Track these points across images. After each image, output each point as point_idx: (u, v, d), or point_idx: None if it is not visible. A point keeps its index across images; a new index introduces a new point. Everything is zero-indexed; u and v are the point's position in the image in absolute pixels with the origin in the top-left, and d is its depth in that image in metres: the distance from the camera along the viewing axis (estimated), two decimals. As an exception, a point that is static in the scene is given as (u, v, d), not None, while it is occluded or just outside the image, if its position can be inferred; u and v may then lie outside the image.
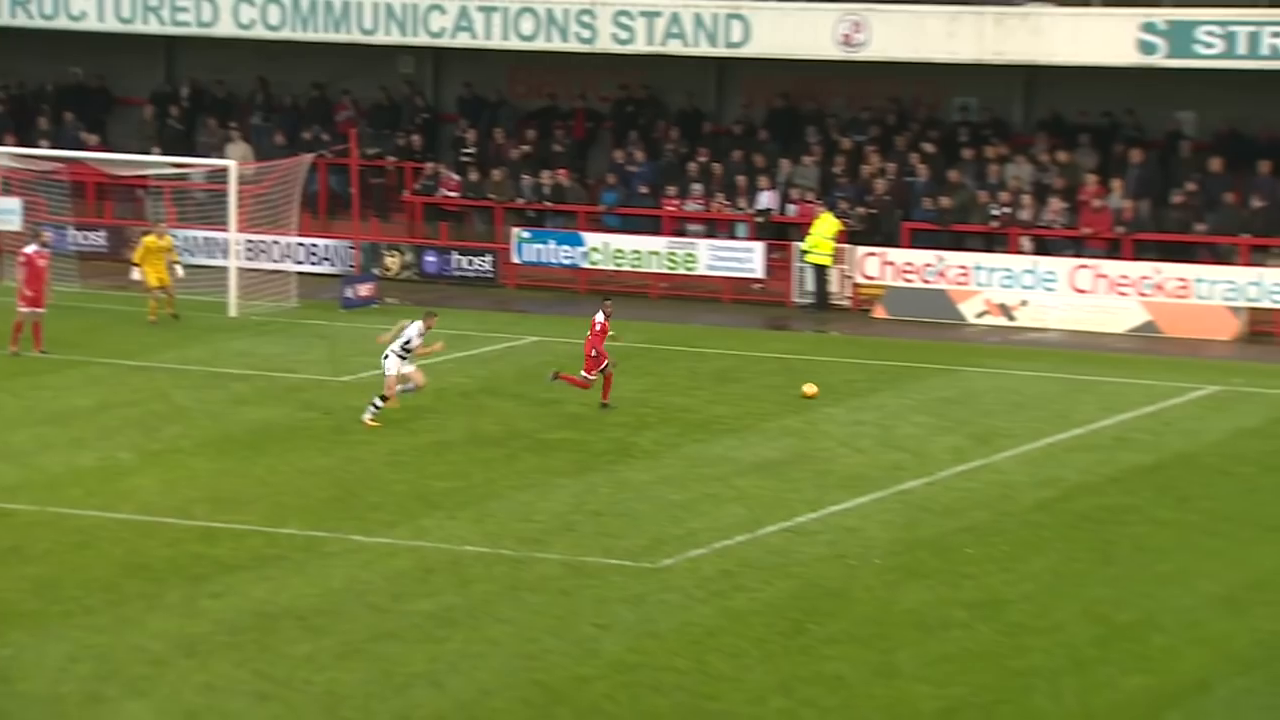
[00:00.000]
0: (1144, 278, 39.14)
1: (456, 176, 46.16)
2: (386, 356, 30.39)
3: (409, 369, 30.55)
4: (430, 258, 45.07)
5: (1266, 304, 38.46)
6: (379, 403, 30.19)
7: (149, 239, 39.57)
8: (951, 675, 19.51)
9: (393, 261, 45.14)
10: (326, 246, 45.17)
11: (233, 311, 40.51)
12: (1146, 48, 39.75)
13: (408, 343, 30.35)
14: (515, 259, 44.26)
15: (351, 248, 44.91)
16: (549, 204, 45.14)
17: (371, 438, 29.62)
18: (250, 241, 43.50)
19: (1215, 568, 23.04)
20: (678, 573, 22.89)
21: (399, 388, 30.47)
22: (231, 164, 41.63)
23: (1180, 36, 39.40)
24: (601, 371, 31.38)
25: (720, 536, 24.29)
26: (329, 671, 19.57)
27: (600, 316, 31.48)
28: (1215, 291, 38.62)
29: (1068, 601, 21.79)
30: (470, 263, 44.82)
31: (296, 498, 26.10)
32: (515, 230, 44.44)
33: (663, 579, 22.65)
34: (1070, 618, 21.24)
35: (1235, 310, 38.51)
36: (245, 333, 38.71)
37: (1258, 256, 39.76)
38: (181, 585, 22.12)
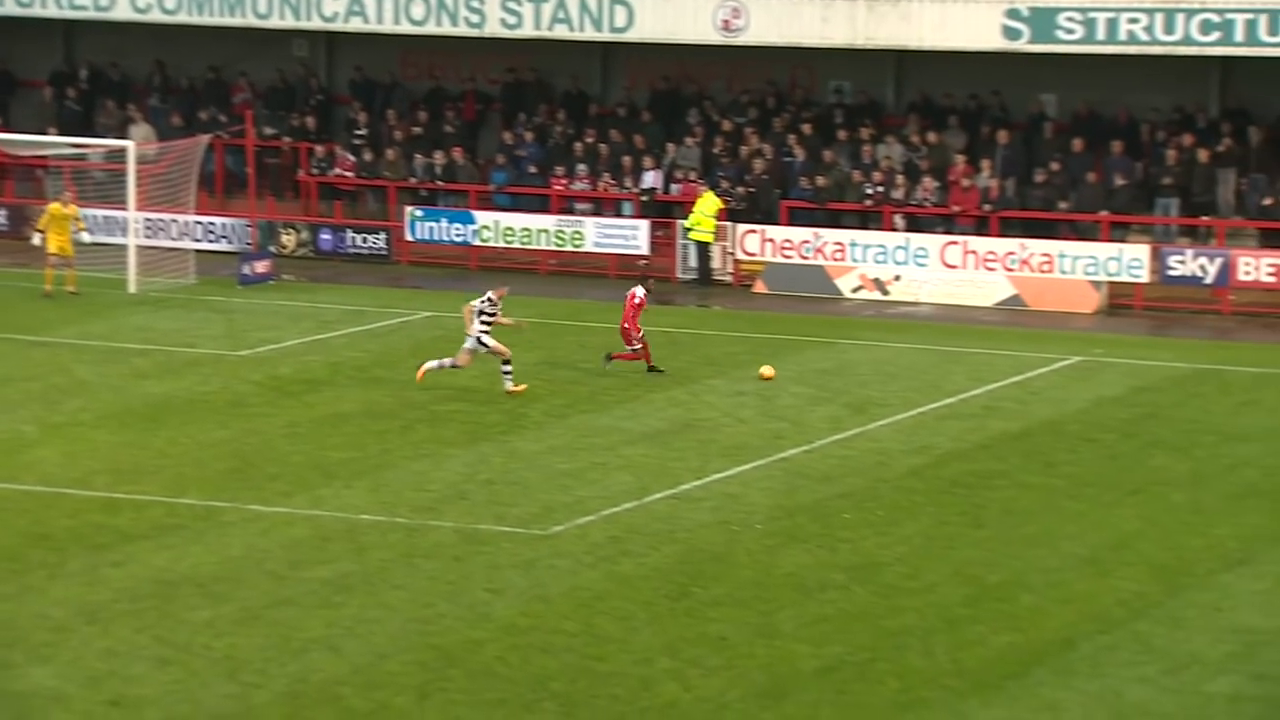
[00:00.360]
0: (1010, 253, 39.42)
1: (351, 157, 45.84)
2: (480, 337, 30.13)
3: (487, 341, 30.20)
4: (325, 235, 44.73)
5: (1126, 278, 38.84)
6: (506, 369, 30.15)
7: (54, 206, 39.35)
8: (829, 635, 19.58)
9: (289, 239, 44.77)
10: (224, 225, 44.71)
11: (132, 288, 40.05)
12: (1011, 33, 40.02)
13: (485, 316, 30.19)
14: (408, 237, 44.00)
15: (248, 226, 44.49)
16: (441, 183, 44.92)
17: (268, 411, 29.35)
18: (149, 220, 42.98)
19: (1079, 530, 23.25)
20: (567, 539, 22.84)
21: (433, 363, 30.47)
22: (130, 144, 41.15)
23: (1042, 22, 39.69)
24: (640, 342, 31.55)
25: (608, 504, 24.26)
26: (228, 637, 19.39)
27: (641, 292, 31.67)
28: (1078, 266, 38.96)
29: (940, 563, 21.92)
30: (364, 240, 44.51)
31: (196, 469, 25.82)
32: (408, 209, 44.17)
33: (553, 545, 22.59)
34: (942, 579, 21.36)
35: (1096, 284, 38.87)
36: (144, 308, 38.27)
37: (1117, 233, 40.17)
38: (83, 554, 21.84)
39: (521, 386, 30.13)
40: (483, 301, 30.38)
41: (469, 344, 30.19)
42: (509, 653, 19.09)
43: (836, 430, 28.23)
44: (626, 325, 31.64)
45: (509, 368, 30.15)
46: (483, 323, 30.24)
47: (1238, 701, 17.84)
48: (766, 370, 31.41)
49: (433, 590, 20.96)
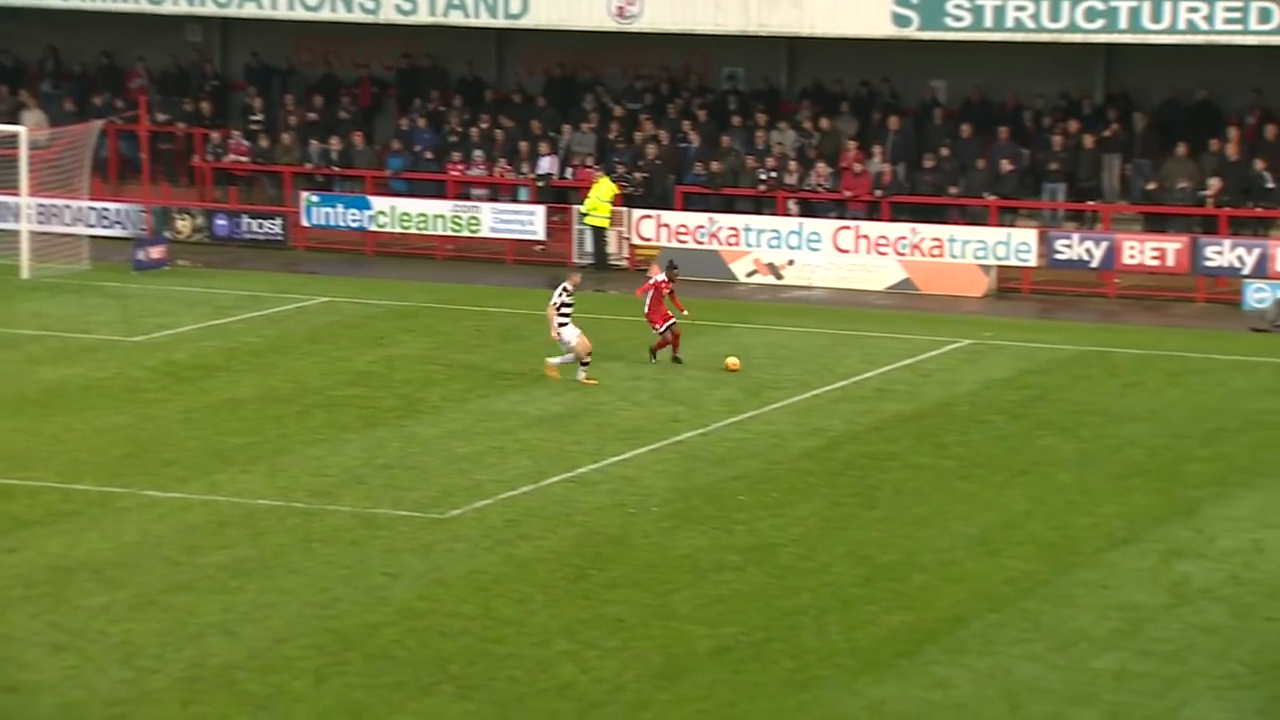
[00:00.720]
0: (901, 238, 39.65)
1: (246, 142, 45.46)
2: (562, 328, 29.75)
3: (569, 334, 29.82)
4: (221, 221, 44.33)
5: (1014, 262, 39.16)
6: (584, 362, 29.79)
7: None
8: (725, 615, 19.64)
9: (184, 225, 44.34)
10: (118, 210, 44.20)
11: (25, 274, 39.55)
12: (900, 20, 40.24)
13: (561, 306, 29.72)
14: (304, 222, 43.69)
15: (143, 211, 44.01)
16: (337, 169, 44.63)
17: (164, 397, 29.08)
18: (42, 205, 42.42)
19: (969, 510, 23.44)
20: (465, 523, 22.79)
21: (556, 360, 30.10)
22: (21, 130, 40.59)
23: (931, 9, 39.93)
24: (670, 328, 31.08)
25: (506, 488, 24.22)
26: (124, 623, 19.21)
27: (661, 276, 31.28)
28: (967, 251, 39.25)
29: (833, 544, 22.04)
30: (260, 226, 44.16)
31: (91, 455, 25.54)
32: (304, 194, 43.87)
33: (450, 529, 22.53)
34: (836, 559, 21.48)
35: (985, 268, 39.18)
36: (38, 294, 37.80)
37: (1006, 217, 40.50)
38: (-23, 542, 21.56)
39: (594, 380, 29.66)
40: (559, 294, 29.83)
41: (566, 336, 29.74)
42: (407, 636, 19.03)
43: (732, 413, 28.31)
44: (648, 314, 31.17)
45: (588, 360, 29.77)
46: (561, 314, 29.74)
47: (1123, 677, 18.06)
48: (732, 361, 31.24)
49: (330, 574, 20.85)
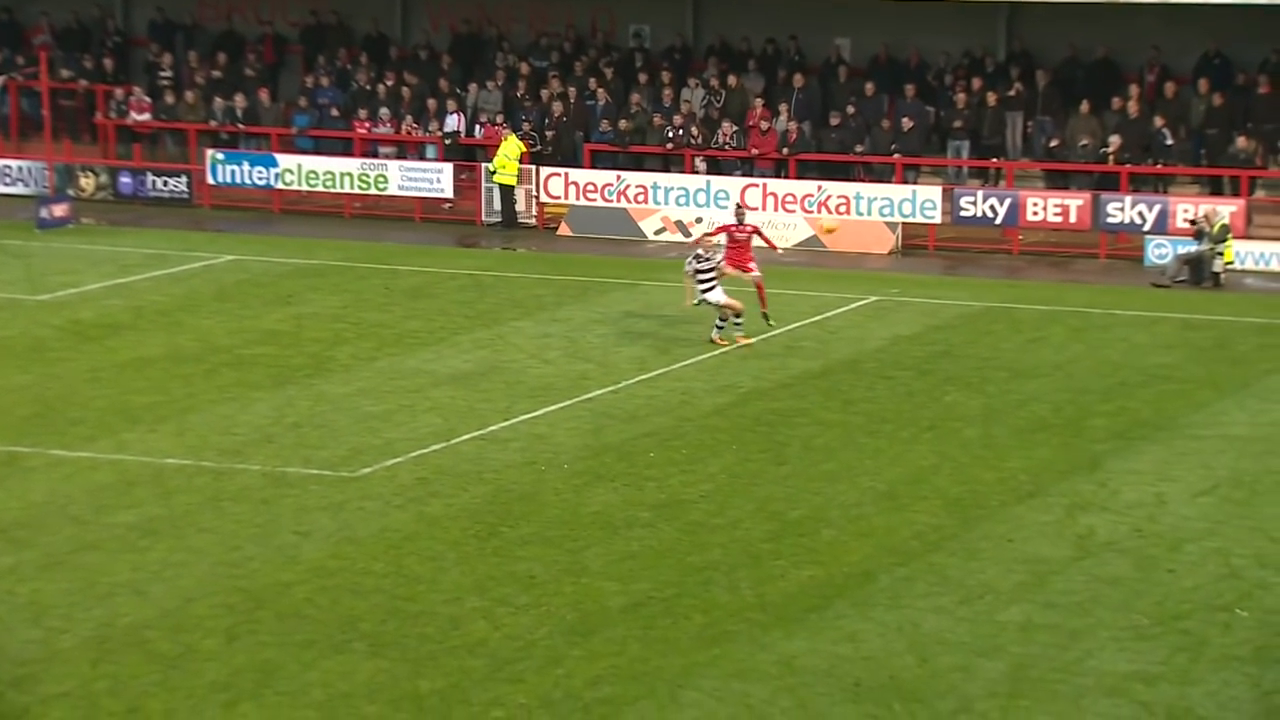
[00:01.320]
0: (808, 196, 39.73)
1: (149, 99, 44.94)
2: (707, 292, 29.05)
3: (717, 296, 29.07)
4: (125, 179, 43.84)
5: (919, 219, 39.34)
6: (736, 320, 29.23)
7: None
8: (636, 572, 19.67)
9: (87, 182, 43.81)
10: (20, 168, 43.64)
11: (-74, 232, 39.02)
12: (809, -21, 40.24)
13: (701, 275, 28.92)
14: (210, 180, 43.27)
15: (45, 169, 43.44)
16: (242, 127, 44.21)
17: (70, 356, 28.76)
18: (-57, 163, 41.83)
19: (877, 465, 23.56)
20: (375, 481, 22.69)
21: (716, 333, 29.37)
22: (-78, 86, 39.97)
23: (839, -31, 39.93)
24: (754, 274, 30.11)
25: (416, 446, 24.13)
26: (32, 582, 19.02)
27: (734, 223, 30.40)
28: (873, 208, 39.39)
29: (743, 500, 22.10)
30: (165, 184, 43.70)
31: (-4, 415, 25.25)
32: (209, 152, 43.44)
33: (361, 487, 22.43)
34: (745, 515, 21.55)
35: (891, 226, 39.34)
36: (-60, 253, 37.30)
37: (910, 175, 40.66)
38: (-119, 504, 21.27)
39: (750, 340, 29.18)
40: (691, 261, 29.11)
41: (712, 297, 29.05)
42: (318, 594, 18.94)
43: (641, 371, 28.31)
44: (730, 261, 29.84)
45: (740, 320, 29.29)
46: (701, 281, 28.93)
47: (1029, 629, 18.23)
48: (829, 222, 30.69)
49: (240, 533, 20.72)
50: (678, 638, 17.91)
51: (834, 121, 40.88)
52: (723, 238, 30.39)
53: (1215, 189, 38.77)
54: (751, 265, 30.19)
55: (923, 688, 16.84)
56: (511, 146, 41.06)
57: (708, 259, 29.21)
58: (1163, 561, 20.11)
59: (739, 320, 29.47)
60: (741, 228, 30.33)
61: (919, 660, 17.44)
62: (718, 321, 29.60)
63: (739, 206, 31.95)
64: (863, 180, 40.38)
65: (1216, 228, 35.68)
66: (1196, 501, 22.12)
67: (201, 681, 16.87)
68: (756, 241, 30.63)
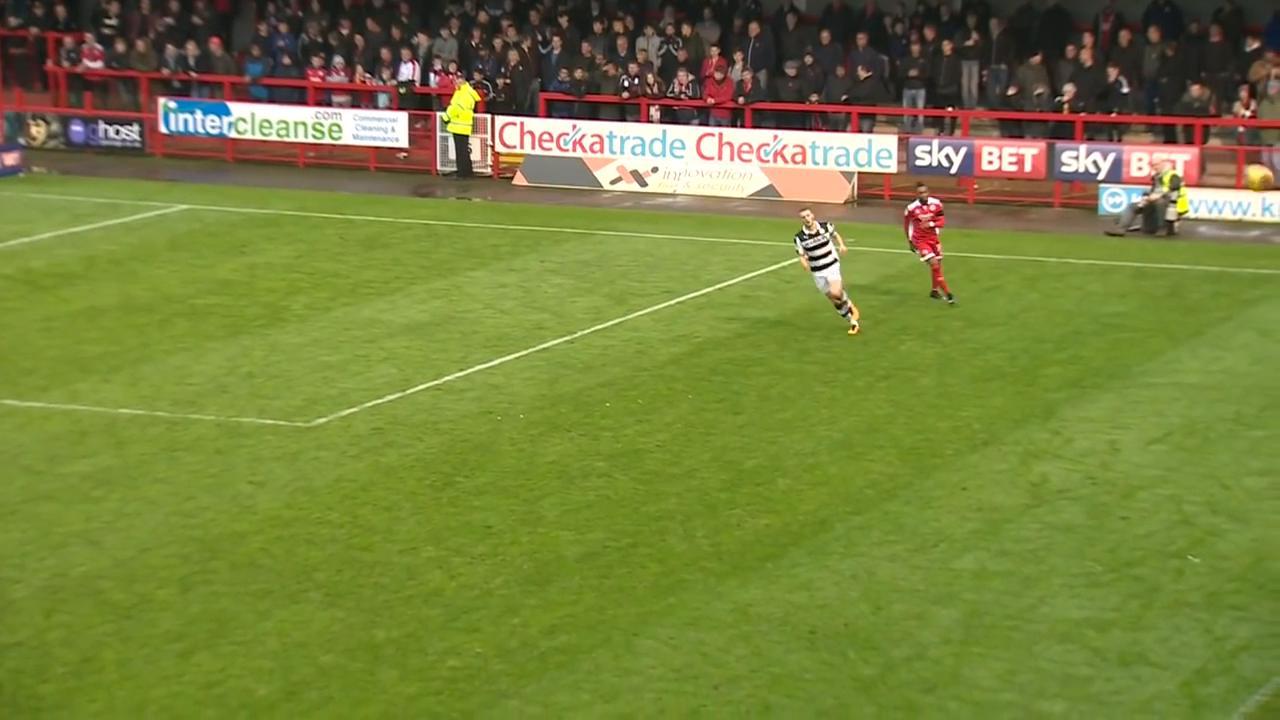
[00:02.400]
0: (764, 145, 39.66)
1: (100, 47, 44.56)
2: (824, 273, 26.73)
3: (832, 276, 26.68)
4: (77, 127, 43.49)
5: (875, 168, 39.31)
6: (847, 311, 26.99)
7: None
8: (592, 521, 19.68)
9: (38, 131, 43.45)
10: (-30, 117, 43.25)
11: (-124, 182, 38.68)
12: (765, -73, 40.08)
13: (811, 251, 26.65)
14: (163, 129, 42.96)
15: (-4, 118, 43.11)
16: (194, 75, 43.88)
17: (22, 305, 28.58)
18: (-108, 111, 41.43)
19: (832, 414, 23.60)
20: (331, 431, 22.63)
21: (847, 315, 27.00)
22: None
23: (796, -83, 39.76)
24: (935, 256, 28.99)
25: (372, 396, 24.07)
26: (-14, 535, 18.93)
27: (915, 204, 28.96)
28: (829, 157, 39.35)
29: (699, 449, 22.12)
30: (117, 132, 43.36)
31: (-53, 366, 25.08)
32: (162, 100, 43.11)
33: (316, 437, 22.37)
34: (701, 464, 21.57)
35: (847, 175, 39.32)
36: (-111, 203, 36.97)
37: (866, 124, 40.63)
38: None
39: (856, 329, 26.86)
40: (799, 241, 26.63)
41: (824, 281, 26.74)
42: (273, 544, 18.90)
43: (597, 320, 28.28)
44: (913, 241, 28.98)
45: (850, 309, 27.00)
46: (811, 259, 26.59)
47: (983, 577, 18.32)
48: (1261, 172, 29.21)
49: (195, 483, 20.65)
50: (634, 587, 17.94)
51: (791, 71, 40.79)
52: (912, 223, 28.86)
53: (1169, 138, 38.87)
54: (939, 247, 29.04)
55: (877, 635, 16.91)
56: (466, 95, 40.86)
57: (813, 237, 26.63)
58: (1116, 509, 20.21)
59: (849, 310, 27.05)
60: (925, 208, 29.00)
61: (874, 608, 17.51)
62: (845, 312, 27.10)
63: (920, 185, 30.08)
64: (819, 130, 40.32)
65: (1166, 178, 35.76)
66: (1149, 449, 22.24)
67: (156, 631, 16.83)
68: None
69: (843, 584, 18.06)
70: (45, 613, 17.22)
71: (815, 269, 27.08)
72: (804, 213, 27.02)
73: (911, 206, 29.31)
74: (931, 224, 29.19)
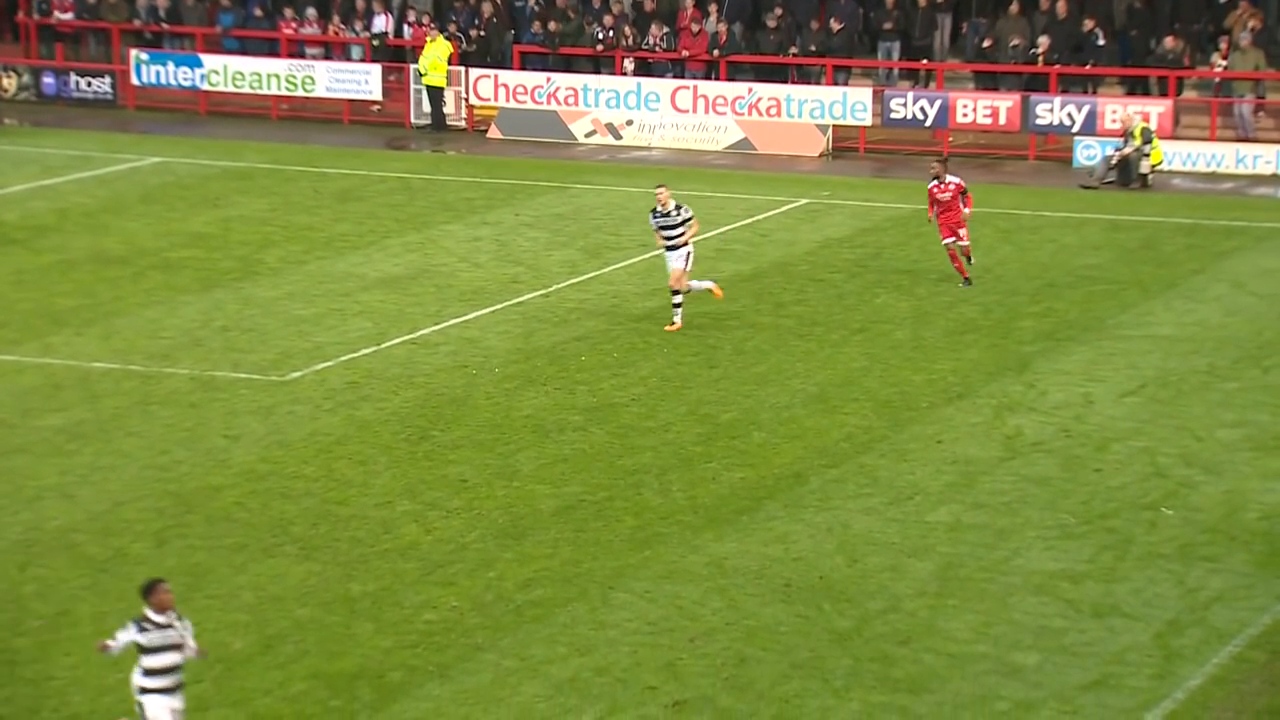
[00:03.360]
0: (739, 98, 39.57)
1: (72, -2, 44.32)
2: (670, 255, 24.97)
3: (674, 263, 24.85)
4: (48, 79, 43.21)
5: (850, 121, 39.25)
6: (677, 305, 25.00)
7: None
8: (568, 475, 19.69)
9: (9, 82, 43.18)
10: (-59, 68, 42.97)
11: None
12: (740, -121, 39.88)
13: (664, 235, 24.91)
14: (135, 80, 42.70)
15: (-33, 70, 42.83)
16: (166, 26, 43.60)
17: (-6, 259, 28.47)
18: None
19: (807, 368, 23.62)
20: (306, 385, 22.58)
21: (691, 284, 25.22)
22: None
23: None
24: (950, 244, 27.36)
25: (346, 350, 24.02)
26: (-40, 490, 18.87)
27: (934, 183, 27.24)
28: (804, 110, 39.27)
29: (674, 403, 22.13)
30: (89, 84, 43.10)
31: (-81, 319, 24.97)
32: (133, 52, 42.84)
33: (291, 391, 22.33)
34: (677, 418, 21.58)
35: (822, 128, 39.25)
36: None
37: (840, 77, 40.54)
38: None
39: (676, 325, 24.91)
40: (651, 217, 25.02)
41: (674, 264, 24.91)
42: (248, 498, 18.88)
43: (572, 274, 28.23)
44: (933, 218, 27.35)
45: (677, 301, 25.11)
46: (664, 238, 24.90)
47: (957, 529, 18.37)
48: (1141, 125, 27.62)
49: (169, 437, 20.60)
50: (609, 540, 17.96)
51: (770, 24, 40.63)
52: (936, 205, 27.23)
53: (1144, 90, 38.85)
54: (962, 231, 27.28)
55: (852, 588, 16.96)
56: (440, 48, 40.69)
57: (666, 216, 24.96)
58: (1089, 461, 20.27)
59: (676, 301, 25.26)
60: (943, 187, 27.27)
61: (849, 561, 17.56)
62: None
63: (937, 162, 27.94)
64: (793, 82, 40.23)
65: (1137, 131, 35.72)
66: (1123, 401, 22.30)
67: (131, 585, 16.76)
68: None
69: (818, 537, 18.10)
70: (20, 566, 17.19)
71: (666, 249, 25.19)
72: (659, 189, 25.10)
73: (930, 185, 27.49)
74: (952, 202, 27.14)
